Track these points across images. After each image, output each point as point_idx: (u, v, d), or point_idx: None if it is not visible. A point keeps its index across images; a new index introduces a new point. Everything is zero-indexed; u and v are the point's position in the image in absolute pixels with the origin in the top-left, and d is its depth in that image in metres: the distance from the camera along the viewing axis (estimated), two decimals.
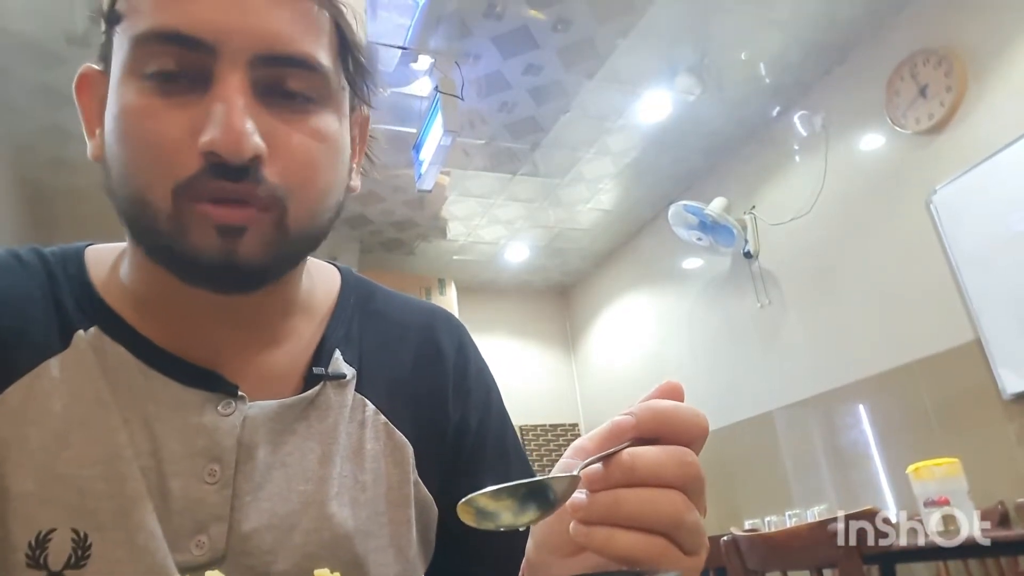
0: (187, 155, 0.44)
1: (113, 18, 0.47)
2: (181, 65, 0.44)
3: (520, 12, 2.79)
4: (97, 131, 0.50)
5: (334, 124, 0.50)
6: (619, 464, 0.36)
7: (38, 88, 2.82)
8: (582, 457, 0.39)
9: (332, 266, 0.65)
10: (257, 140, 0.44)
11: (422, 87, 3.12)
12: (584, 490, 0.37)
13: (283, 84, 0.46)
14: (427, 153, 3.07)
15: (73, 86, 0.52)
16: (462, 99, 2.99)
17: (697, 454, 0.38)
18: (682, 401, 0.40)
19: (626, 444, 0.37)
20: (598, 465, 0.36)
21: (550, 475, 0.37)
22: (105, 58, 0.49)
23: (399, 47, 2.87)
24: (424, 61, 2.96)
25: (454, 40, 2.91)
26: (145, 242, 0.48)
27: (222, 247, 0.45)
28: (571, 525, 0.36)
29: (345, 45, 0.50)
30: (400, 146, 3.57)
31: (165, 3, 0.44)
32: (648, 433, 0.37)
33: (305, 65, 0.46)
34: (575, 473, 0.36)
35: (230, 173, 0.44)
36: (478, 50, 2.99)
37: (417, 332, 0.64)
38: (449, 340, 0.65)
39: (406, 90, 3.16)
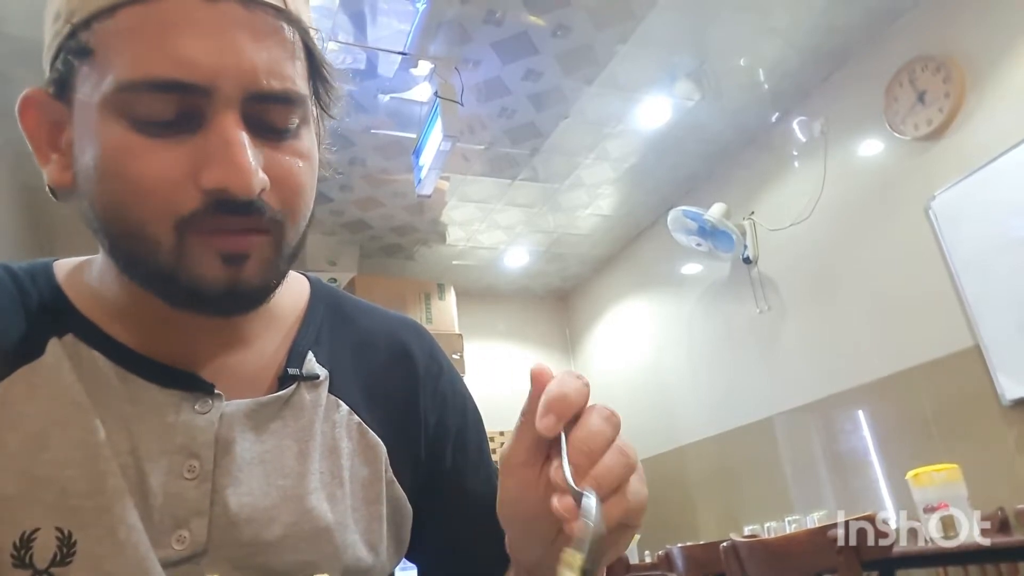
0: (187, 192, 0.45)
1: (79, 50, 0.46)
2: (176, 110, 0.45)
3: (520, 18, 2.80)
4: (53, 157, 0.50)
5: (311, 140, 0.52)
6: (577, 455, 0.39)
7: None
8: (519, 470, 0.43)
9: (301, 275, 0.67)
10: (263, 175, 0.46)
11: (422, 92, 3.13)
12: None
13: (270, 116, 0.48)
14: (427, 158, 3.08)
15: (16, 109, 0.51)
16: (462, 104, 3.00)
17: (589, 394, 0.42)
18: (551, 375, 0.43)
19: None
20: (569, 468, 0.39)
21: (585, 527, 0.38)
22: (59, 84, 0.48)
23: (399, 52, 2.88)
24: (424, 67, 2.97)
25: (454, 46, 2.92)
26: (141, 273, 0.49)
27: (227, 275, 0.47)
28: (574, 524, 0.37)
29: (313, 62, 0.51)
30: (400, 151, 3.58)
31: (153, 48, 0.44)
32: (567, 416, 0.41)
33: (290, 99, 0.48)
34: (588, 493, 0.38)
35: (238, 208, 0.46)
36: (478, 56, 3.00)
37: (386, 338, 0.66)
38: (419, 346, 0.67)
39: (406, 95, 3.17)
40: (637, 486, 0.41)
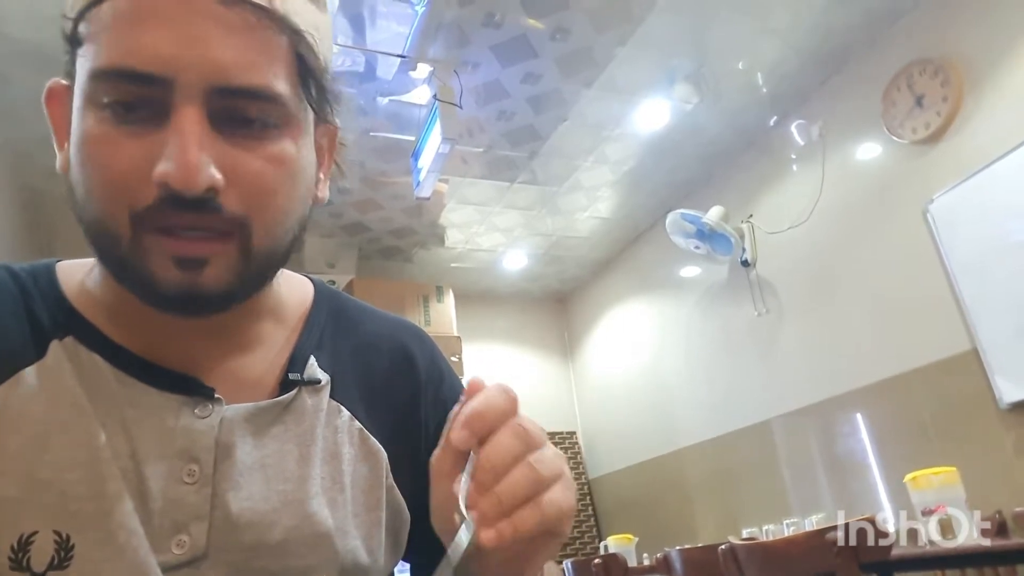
0: (143, 184, 0.45)
1: (75, 40, 0.47)
2: (138, 98, 0.45)
3: (519, 21, 2.81)
4: (66, 144, 0.51)
5: (291, 149, 0.50)
6: (482, 472, 0.41)
7: (38, 95, 2.80)
8: (445, 480, 0.44)
9: (305, 278, 0.67)
10: (211, 172, 0.45)
11: (421, 95, 3.14)
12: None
13: (240, 113, 0.47)
14: (425, 161, 3.08)
15: (43, 99, 0.52)
16: (460, 107, 3.00)
17: (517, 413, 0.43)
18: (483, 387, 0.44)
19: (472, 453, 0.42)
20: (470, 484, 0.41)
21: (453, 548, 0.41)
22: (71, 75, 0.49)
23: (398, 55, 2.89)
24: (423, 69, 2.97)
25: (453, 49, 2.92)
26: (106, 263, 0.50)
27: (182, 279, 0.46)
28: (481, 535, 0.40)
29: (306, 69, 0.50)
30: (398, 154, 3.58)
31: (119, 38, 0.45)
32: (483, 433, 0.42)
33: (261, 96, 0.47)
34: (467, 521, 0.41)
35: (187, 205, 0.45)
36: (477, 59, 3.00)
37: (389, 342, 0.66)
38: (420, 351, 0.67)
39: (405, 98, 3.17)
40: (556, 496, 0.42)
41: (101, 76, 0.45)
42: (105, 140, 0.45)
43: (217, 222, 0.46)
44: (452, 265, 5.03)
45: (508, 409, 0.43)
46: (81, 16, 0.46)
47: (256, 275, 0.51)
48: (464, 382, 0.74)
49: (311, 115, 0.53)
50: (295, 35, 0.49)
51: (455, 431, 0.42)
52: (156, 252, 0.46)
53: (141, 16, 0.44)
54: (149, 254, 0.46)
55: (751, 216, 3.85)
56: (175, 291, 0.47)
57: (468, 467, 0.42)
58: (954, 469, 1.80)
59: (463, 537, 0.40)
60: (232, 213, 0.46)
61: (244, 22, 0.46)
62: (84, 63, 0.46)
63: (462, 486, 0.41)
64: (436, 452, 0.44)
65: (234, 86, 0.46)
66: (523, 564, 0.45)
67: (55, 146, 0.52)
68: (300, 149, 0.51)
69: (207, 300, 0.48)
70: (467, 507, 0.40)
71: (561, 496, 0.42)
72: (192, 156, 0.44)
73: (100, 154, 0.45)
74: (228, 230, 0.47)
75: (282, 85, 0.48)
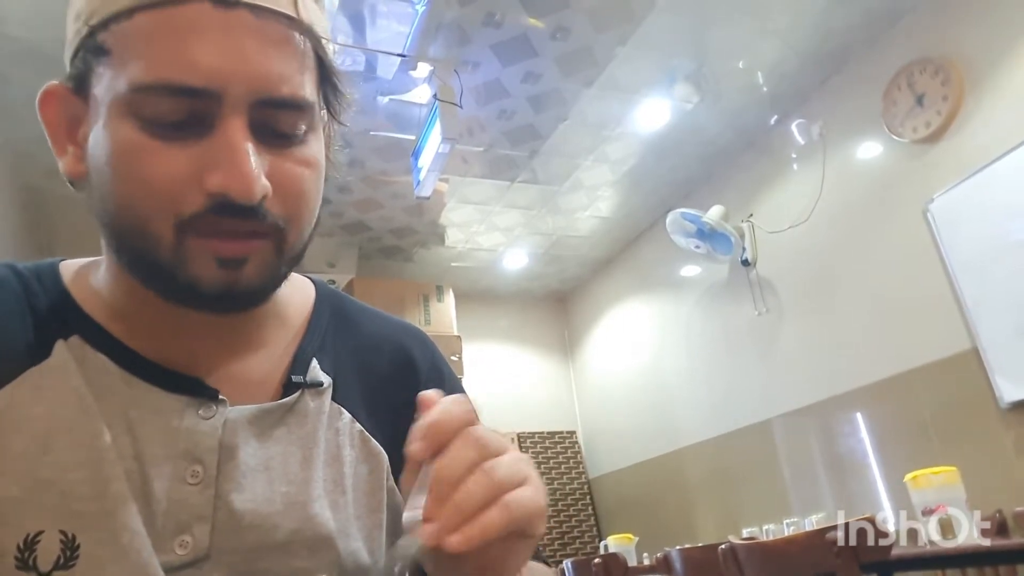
0: (191, 193, 0.46)
1: (96, 49, 0.47)
2: (185, 113, 0.46)
3: (519, 20, 2.81)
4: (69, 149, 0.51)
5: (318, 148, 0.52)
6: (438, 484, 0.41)
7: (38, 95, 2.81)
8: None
9: (307, 278, 0.67)
10: (265, 182, 0.47)
11: (421, 94, 3.14)
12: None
13: (277, 123, 0.49)
14: (426, 160, 3.08)
15: (36, 102, 0.52)
16: (461, 107, 3.00)
17: (473, 423, 0.43)
18: (437, 401, 0.45)
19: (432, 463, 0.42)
20: (427, 496, 0.41)
21: (398, 549, 0.41)
22: (78, 80, 0.49)
23: (398, 55, 2.89)
24: (423, 69, 2.97)
25: (453, 48, 2.92)
26: (142, 270, 0.50)
27: (224, 277, 0.48)
28: (448, 542, 0.39)
29: (324, 71, 0.52)
30: (399, 153, 3.58)
31: (166, 52, 0.45)
32: (439, 444, 0.42)
33: (299, 105, 0.49)
34: (409, 531, 0.40)
35: (238, 212, 0.46)
36: (477, 58, 3.00)
37: (390, 344, 0.66)
38: (421, 353, 0.68)
39: (405, 97, 3.17)
40: (521, 495, 0.41)
41: (147, 90, 0.45)
42: (147, 150, 0.46)
43: (259, 228, 0.48)
44: (452, 264, 5.03)
45: (464, 420, 0.43)
46: (104, 26, 0.46)
47: (286, 272, 0.53)
48: (464, 381, 0.74)
49: (325, 116, 0.55)
50: (316, 41, 0.50)
51: (411, 444, 0.42)
52: (200, 254, 0.47)
53: (183, 30, 0.45)
54: (193, 257, 0.47)
55: (751, 215, 3.85)
56: (216, 290, 0.48)
57: (421, 478, 0.42)
58: (954, 469, 1.80)
59: (409, 546, 0.40)
60: (274, 219, 0.49)
61: (278, 34, 0.48)
62: (115, 74, 0.46)
63: (411, 496, 0.41)
64: (404, 475, 0.44)
65: (276, 98, 0.47)
66: (497, 568, 0.44)
67: (52, 149, 0.52)
68: (322, 150, 0.53)
69: (245, 296, 0.50)
70: (425, 519, 0.40)
71: (527, 496, 0.42)
72: (249, 168, 0.46)
73: (143, 163, 0.46)
74: (267, 233, 0.49)
75: (311, 90, 0.50)
